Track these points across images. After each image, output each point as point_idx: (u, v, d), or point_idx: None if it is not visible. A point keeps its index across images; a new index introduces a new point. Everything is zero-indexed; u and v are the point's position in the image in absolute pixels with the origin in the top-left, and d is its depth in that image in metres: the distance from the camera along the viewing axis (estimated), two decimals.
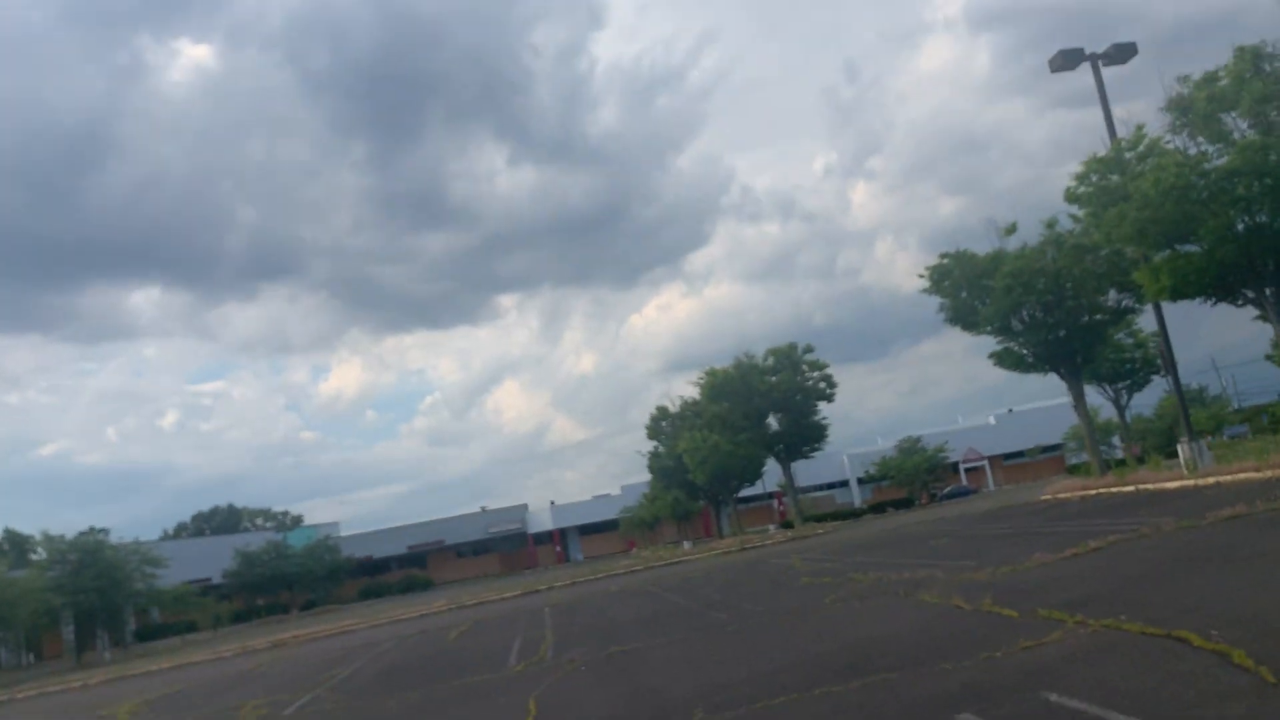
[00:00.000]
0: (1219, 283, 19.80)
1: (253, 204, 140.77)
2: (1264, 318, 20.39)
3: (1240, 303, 20.71)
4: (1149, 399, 71.49)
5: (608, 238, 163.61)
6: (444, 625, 26.37)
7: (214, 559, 76.21)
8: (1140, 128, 20.28)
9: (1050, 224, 28.86)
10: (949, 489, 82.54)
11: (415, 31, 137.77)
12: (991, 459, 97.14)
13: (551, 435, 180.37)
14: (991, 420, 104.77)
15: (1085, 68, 24.95)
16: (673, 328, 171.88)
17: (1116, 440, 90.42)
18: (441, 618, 31.69)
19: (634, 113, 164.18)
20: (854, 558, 22.17)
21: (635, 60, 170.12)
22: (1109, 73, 24.66)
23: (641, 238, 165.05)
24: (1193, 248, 20.04)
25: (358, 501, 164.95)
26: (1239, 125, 19.08)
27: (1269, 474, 19.14)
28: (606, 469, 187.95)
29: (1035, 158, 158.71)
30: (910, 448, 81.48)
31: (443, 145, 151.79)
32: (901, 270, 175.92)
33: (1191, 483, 21.60)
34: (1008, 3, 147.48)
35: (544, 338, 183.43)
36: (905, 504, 75.42)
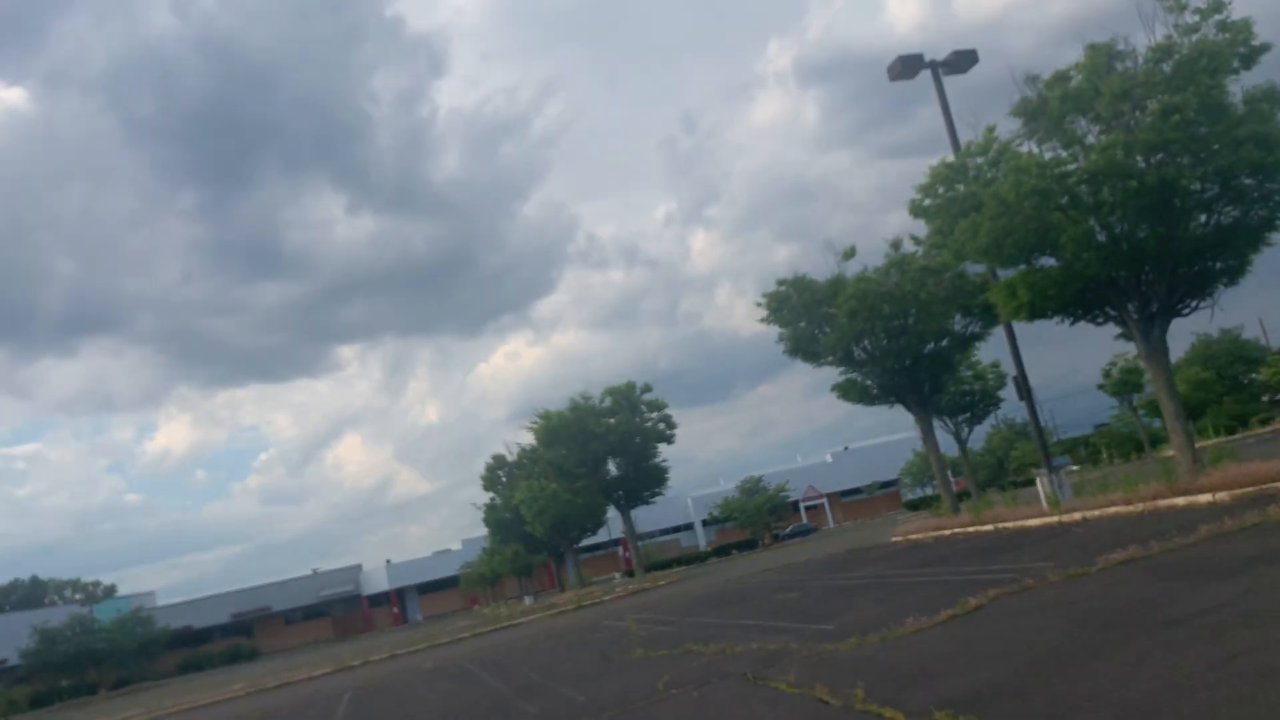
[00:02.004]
0: (1079, 298, 18.25)
1: (72, 255, 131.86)
2: (1125, 335, 19.01)
3: (1100, 320, 19.27)
4: (977, 433, 72.54)
5: (453, 286, 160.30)
6: None
7: (10, 638, 70.17)
8: (990, 129, 18.63)
9: (895, 244, 27.35)
10: (790, 528, 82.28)
11: (247, 77, 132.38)
12: (830, 497, 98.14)
13: (395, 489, 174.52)
14: (829, 458, 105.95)
15: (924, 78, 23.53)
16: (520, 376, 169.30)
17: (950, 475, 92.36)
18: (231, 707, 27.68)
19: (477, 160, 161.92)
20: (696, 618, 19.53)
21: (478, 107, 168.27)
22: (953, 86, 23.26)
23: (487, 285, 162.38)
24: (1048, 262, 18.50)
25: (187, 565, 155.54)
26: (1092, 130, 17.69)
27: (1140, 507, 17.52)
28: (453, 522, 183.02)
29: (862, 206, 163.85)
30: (752, 488, 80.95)
31: (277, 193, 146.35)
32: (740, 315, 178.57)
33: (1055, 519, 19.89)
34: (833, 58, 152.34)
35: (387, 389, 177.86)
36: (749, 545, 74.43)
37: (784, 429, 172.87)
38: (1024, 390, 22.84)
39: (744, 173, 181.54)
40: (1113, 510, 18.22)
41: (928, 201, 19.64)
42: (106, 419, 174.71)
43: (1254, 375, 75.21)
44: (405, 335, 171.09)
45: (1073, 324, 19.24)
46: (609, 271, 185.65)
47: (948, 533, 24.31)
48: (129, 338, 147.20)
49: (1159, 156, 15.97)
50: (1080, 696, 6.93)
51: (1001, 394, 44.89)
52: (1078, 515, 19.25)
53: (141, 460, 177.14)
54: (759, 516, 79.02)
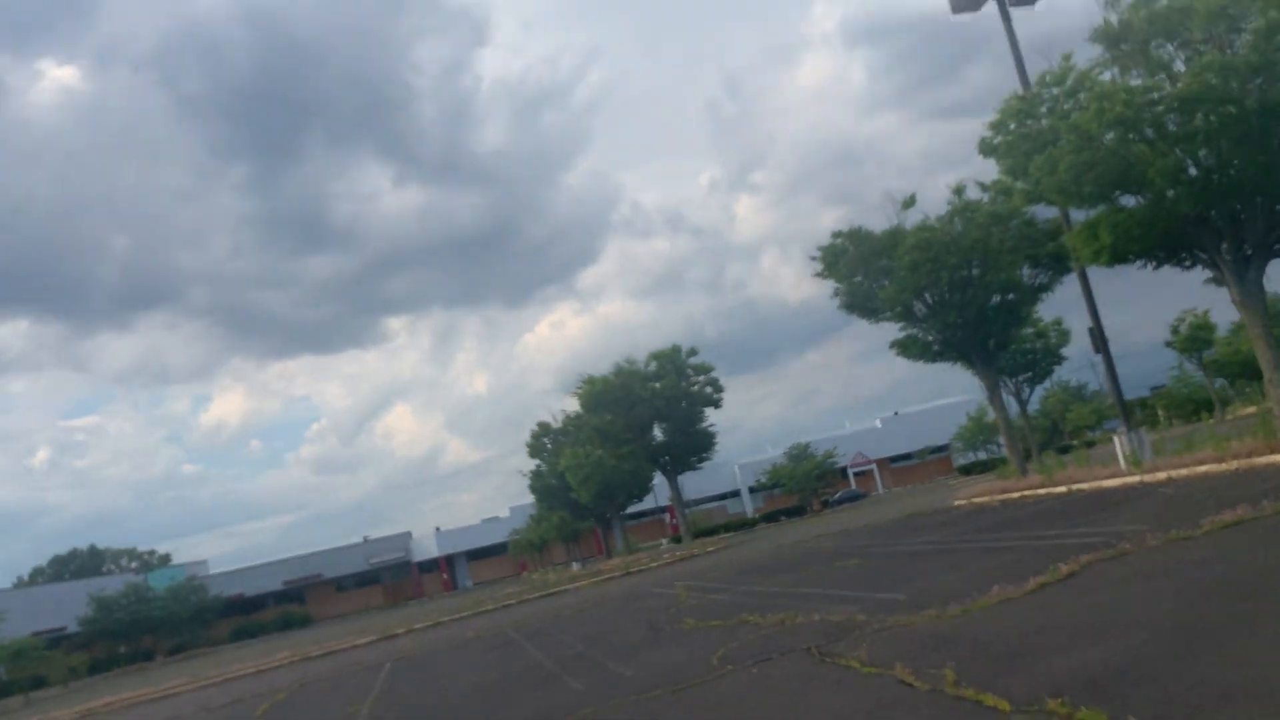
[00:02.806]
0: (1166, 239, 16.74)
1: (126, 231, 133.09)
2: (1216, 280, 17.48)
3: (1188, 263, 17.75)
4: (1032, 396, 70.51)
5: (498, 256, 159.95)
6: (266, 690, 21.81)
7: (69, 606, 70.28)
8: (1067, 58, 17.10)
9: (958, 190, 25.80)
10: (839, 494, 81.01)
11: (293, 52, 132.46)
12: (879, 463, 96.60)
13: (445, 458, 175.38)
14: (878, 424, 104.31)
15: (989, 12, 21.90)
16: (566, 345, 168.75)
17: (1001, 439, 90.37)
18: (274, 676, 27.15)
19: (521, 130, 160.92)
20: (749, 585, 18.44)
21: (521, 77, 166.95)
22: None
23: (532, 256, 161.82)
24: (1128, 202, 17.01)
25: (242, 534, 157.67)
26: (1178, 56, 16.13)
27: (1234, 465, 16.10)
28: (503, 489, 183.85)
29: (910, 169, 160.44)
30: (800, 454, 79.59)
31: (325, 166, 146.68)
32: (786, 282, 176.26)
33: (1137, 479, 18.49)
34: (879, 20, 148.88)
35: (435, 359, 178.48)
36: (797, 512, 73.28)
37: (831, 396, 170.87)
38: (1100, 342, 21.36)
39: (789, 137, 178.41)
40: (1203, 469, 16.81)
41: (999, 139, 18.15)
42: (163, 391, 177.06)
43: None
44: (452, 306, 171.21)
45: (1156, 268, 17.72)
46: (653, 240, 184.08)
47: (1015, 495, 22.94)
48: (183, 311, 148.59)
49: (1258, 80, 14.42)
50: (1230, 683, 5.73)
51: (1064, 352, 43.13)
52: (1162, 475, 17.83)
53: (197, 431, 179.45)
54: (807, 482, 77.72)
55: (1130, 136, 15.48)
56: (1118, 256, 17.05)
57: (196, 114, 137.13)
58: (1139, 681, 6.14)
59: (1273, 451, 15.48)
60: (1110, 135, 15.63)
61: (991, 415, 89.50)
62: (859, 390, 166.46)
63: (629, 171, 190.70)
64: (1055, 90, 16.95)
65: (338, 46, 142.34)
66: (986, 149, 18.41)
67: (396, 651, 24.26)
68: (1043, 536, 14.83)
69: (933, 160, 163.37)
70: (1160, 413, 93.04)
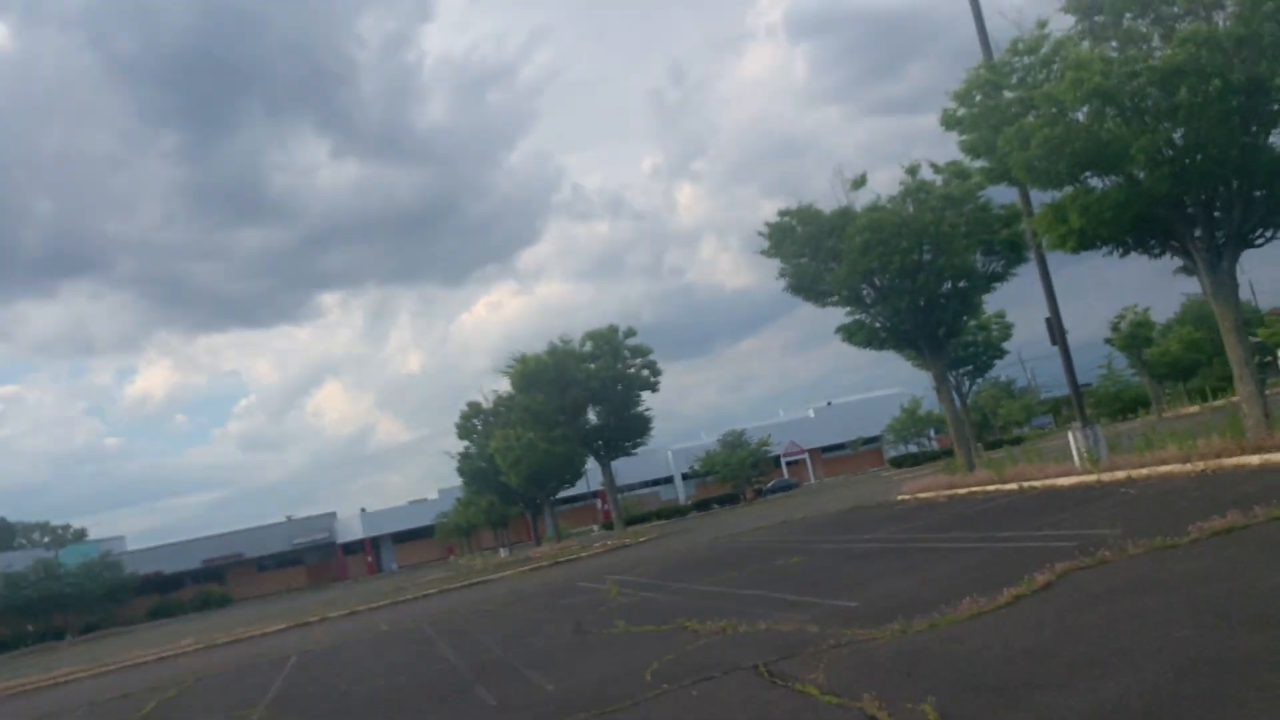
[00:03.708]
0: (1138, 224, 15.74)
1: (51, 195, 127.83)
2: (1187, 269, 16.59)
3: (1158, 251, 16.81)
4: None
5: (436, 234, 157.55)
6: (160, 682, 20.12)
7: None
8: (1043, 24, 15.96)
9: (912, 170, 24.71)
10: (772, 483, 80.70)
11: (232, 17, 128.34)
12: (811, 452, 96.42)
13: (376, 438, 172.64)
14: (811, 413, 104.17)
15: None
16: (504, 326, 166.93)
17: (933, 433, 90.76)
18: (174, 665, 25.42)
19: (464, 108, 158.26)
20: (685, 583, 17.20)
21: (466, 54, 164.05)
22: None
23: (472, 235, 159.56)
24: (1095, 183, 15.98)
25: (166, 510, 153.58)
26: (1155, 31, 15.13)
27: (1200, 466, 15.18)
28: (434, 471, 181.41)
29: (850, 164, 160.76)
30: (734, 441, 79.10)
31: (261, 137, 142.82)
32: (724, 270, 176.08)
33: (1094, 478, 17.55)
34: (824, 13, 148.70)
35: (369, 337, 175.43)
36: (731, 500, 72.73)
37: (765, 384, 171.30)
38: (1059, 333, 20.44)
39: (732, 126, 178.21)
40: (1165, 469, 15.88)
41: (963, 110, 17.03)
42: (86, 362, 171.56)
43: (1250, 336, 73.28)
44: (387, 283, 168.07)
45: (1123, 255, 16.72)
46: (594, 223, 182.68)
47: (963, 491, 21.98)
48: (109, 280, 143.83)
49: (1243, 53, 13.42)
50: None
51: (1006, 345, 42.59)
52: (1121, 474, 16.90)
53: (121, 404, 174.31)
54: (741, 471, 77.18)
55: (1107, 111, 14.46)
56: (1085, 241, 16.03)
57: (127, 77, 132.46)
58: None
59: (1244, 452, 14.60)
60: (1086, 109, 14.60)
61: (925, 408, 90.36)
62: (793, 379, 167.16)
63: (572, 154, 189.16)
64: (1028, 59, 15.88)
65: (278, 14, 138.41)
66: (949, 121, 17.27)
67: (305, 643, 22.71)
68: (1002, 538, 13.76)
69: (873, 156, 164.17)
70: (1087, 411, 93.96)
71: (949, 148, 24.50)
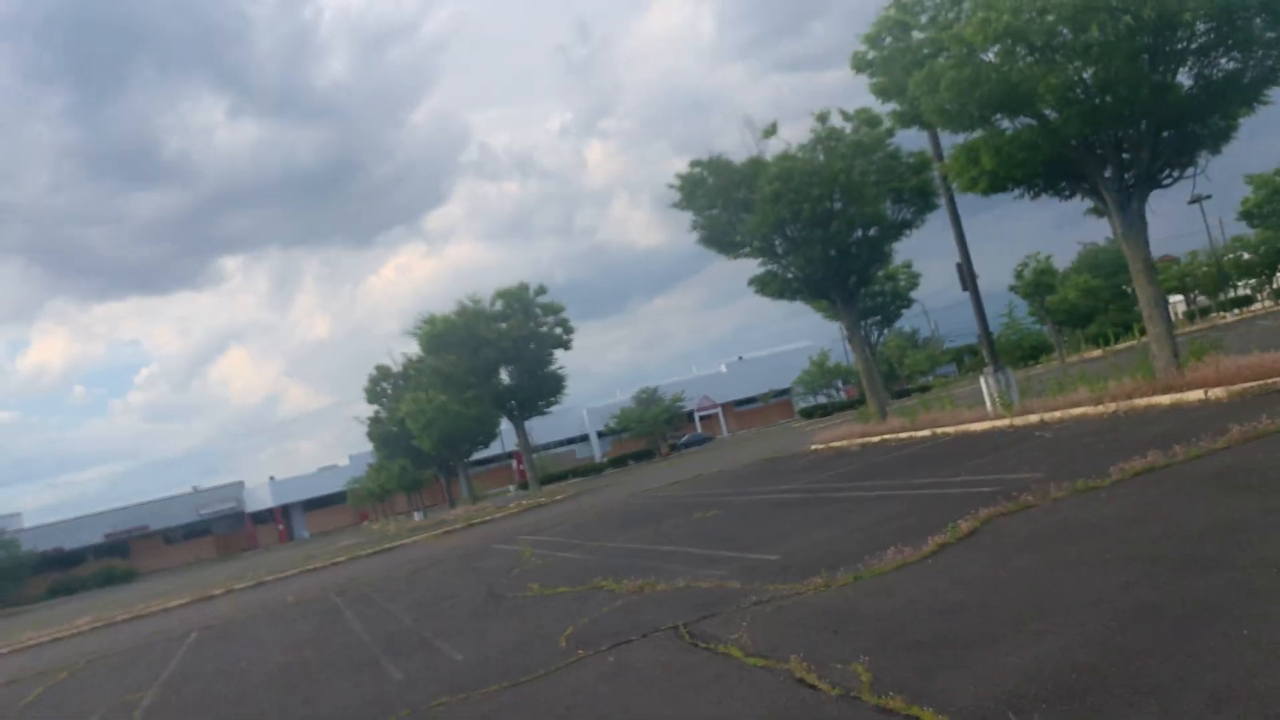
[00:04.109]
0: (1049, 166, 15.59)
1: None
2: (1098, 210, 16.52)
3: (1067, 193, 16.71)
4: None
5: (340, 196, 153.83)
6: (51, 665, 19.08)
7: None
8: None
9: (822, 117, 24.34)
10: (686, 437, 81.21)
11: None
12: (724, 406, 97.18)
13: (285, 405, 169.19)
14: (723, 369, 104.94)
15: None
16: (413, 288, 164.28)
17: (840, 384, 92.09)
18: (67, 646, 24.25)
19: (365, 65, 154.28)
20: (600, 541, 16.78)
21: (364, 9, 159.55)
22: None
23: (377, 196, 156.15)
24: (1005, 126, 15.79)
25: (65, 486, 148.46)
26: None
27: (1112, 408, 15.19)
28: (344, 438, 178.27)
29: (757, 120, 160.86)
30: (648, 398, 79.18)
31: (153, 97, 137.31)
32: (636, 228, 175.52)
33: (1007, 423, 17.54)
34: None
35: (273, 302, 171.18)
36: (645, 456, 72.88)
37: (679, 342, 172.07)
38: (970, 279, 20.38)
39: (639, 84, 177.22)
40: (1078, 411, 15.88)
41: (872, 53, 16.64)
42: None
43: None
44: (291, 247, 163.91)
45: (1034, 197, 16.61)
46: (503, 183, 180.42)
47: (876, 439, 21.90)
48: None
49: None
50: (1194, 680, 4.26)
51: (913, 295, 42.86)
52: (1034, 418, 16.90)
53: (14, 377, 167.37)
54: (655, 427, 77.35)
55: (1018, 50, 14.19)
56: (996, 184, 15.85)
57: (8, 35, 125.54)
58: (1128, 689, 4.61)
59: (1154, 393, 14.64)
60: (997, 48, 14.32)
61: (833, 360, 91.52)
62: (706, 336, 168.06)
63: (478, 113, 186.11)
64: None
65: None
66: (859, 64, 16.86)
67: (207, 618, 21.80)
68: (919, 485, 13.58)
69: (779, 111, 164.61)
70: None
71: (854, 103, 24.27)
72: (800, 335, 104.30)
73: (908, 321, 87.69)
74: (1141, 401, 14.75)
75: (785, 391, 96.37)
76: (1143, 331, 58.68)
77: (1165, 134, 15.18)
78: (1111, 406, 15.16)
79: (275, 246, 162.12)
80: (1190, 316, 75.09)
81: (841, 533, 11.30)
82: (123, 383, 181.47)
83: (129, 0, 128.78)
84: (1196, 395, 13.78)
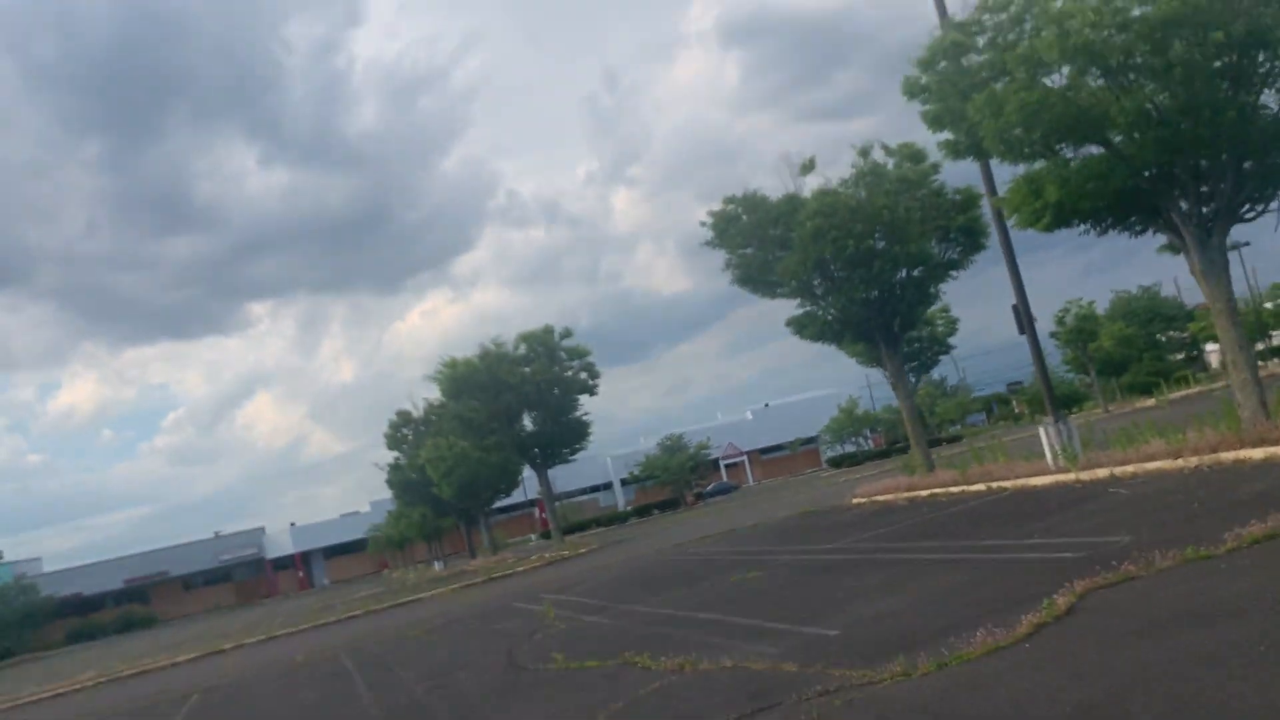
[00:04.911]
0: (1121, 198, 14.34)
1: None
2: (1173, 246, 15.24)
3: (1139, 228, 15.47)
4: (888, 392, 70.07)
5: (368, 242, 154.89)
6: None
7: None
8: None
9: (864, 151, 23.23)
10: (712, 486, 79.79)
11: (156, 23, 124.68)
12: (750, 454, 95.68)
13: (309, 449, 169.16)
14: (749, 415, 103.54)
15: None
16: (439, 334, 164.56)
17: (869, 432, 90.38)
18: (64, 704, 23.15)
19: (395, 113, 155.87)
20: (630, 604, 15.45)
21: (396, 59, 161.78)
22: None
23: (405, 242, 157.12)
24: (1069, 154, 14.61)
25: (92, 528, 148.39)
26: None
27: (1194, 462, 13.84)
28: (366, 483, 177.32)
29: (782, 169, 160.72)
30: (674, 445, 77.81)
31: (187, 144, 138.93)
32: (661, 275, 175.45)
33: (1073, 478, 16.18)
34: (754, 19, 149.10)
35: (300, 347, 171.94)
36: (671, 505, 71.47)
37: (703, 388, 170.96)
38: (1026, 321, 19.11)
39: (666, 132, 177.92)
40: (1153, 466, 14.52)
41: (926, 77, 15.52)
42: (6, 377, 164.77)
43: (1170, 333, 73.78)
44: (319, 292, 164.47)
45: (1102, 233, 15.40)
46: (530, 229, 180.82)
47: (925, 493, 20.52)
48: (30, 292, 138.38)
49: (1247, 2, 12.06)
50: None
51: (951, 341, 41.52)
52: (1102, 472, 15.53)
53: (44, 419, 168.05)
54: (681, 475, 75.81)
55: (1092, 70, 13.05)
56: (1061, 218, 14.61)
57: (47, 84, 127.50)
58: None
59: (1243, 445, 13.29)
60: (1067, 69, 13.18)
61: (862, 408, 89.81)
62: (730, 382, 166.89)
63: (506, 160, 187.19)
64: (1000, 16, 14.41)
65: (204, 18, 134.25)
66: (912, 89, 15.73)
67: (212, 677, 20.58)
68: (987, 548, 12.24)
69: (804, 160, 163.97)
70: (1016, 407, 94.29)
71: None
72: (826, 382, 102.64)
73: (935, 369, 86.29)
74: (1228, 455, 13.39)
75: (812, 439, 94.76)
76: (1181, 381, 56.96)
77: (1247, 164, 13.94)
78: (1194, 460, 13.80)
79: (303, 291, 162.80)
80: (1225, 366, 73.22)
81: (907, 603, 9.99)
82: (150, 426, 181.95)
83: (166, 48, 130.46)
84: None
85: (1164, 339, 73.92)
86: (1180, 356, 76.28)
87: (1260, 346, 72.23)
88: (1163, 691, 5.56)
